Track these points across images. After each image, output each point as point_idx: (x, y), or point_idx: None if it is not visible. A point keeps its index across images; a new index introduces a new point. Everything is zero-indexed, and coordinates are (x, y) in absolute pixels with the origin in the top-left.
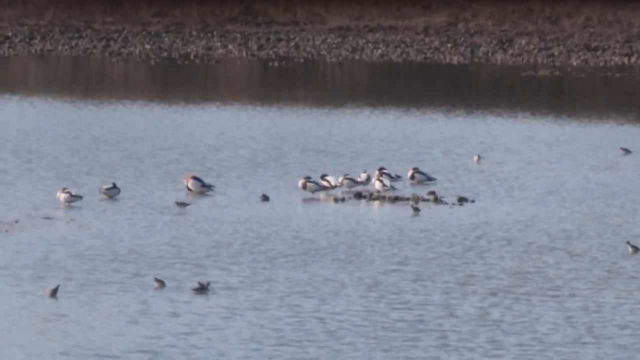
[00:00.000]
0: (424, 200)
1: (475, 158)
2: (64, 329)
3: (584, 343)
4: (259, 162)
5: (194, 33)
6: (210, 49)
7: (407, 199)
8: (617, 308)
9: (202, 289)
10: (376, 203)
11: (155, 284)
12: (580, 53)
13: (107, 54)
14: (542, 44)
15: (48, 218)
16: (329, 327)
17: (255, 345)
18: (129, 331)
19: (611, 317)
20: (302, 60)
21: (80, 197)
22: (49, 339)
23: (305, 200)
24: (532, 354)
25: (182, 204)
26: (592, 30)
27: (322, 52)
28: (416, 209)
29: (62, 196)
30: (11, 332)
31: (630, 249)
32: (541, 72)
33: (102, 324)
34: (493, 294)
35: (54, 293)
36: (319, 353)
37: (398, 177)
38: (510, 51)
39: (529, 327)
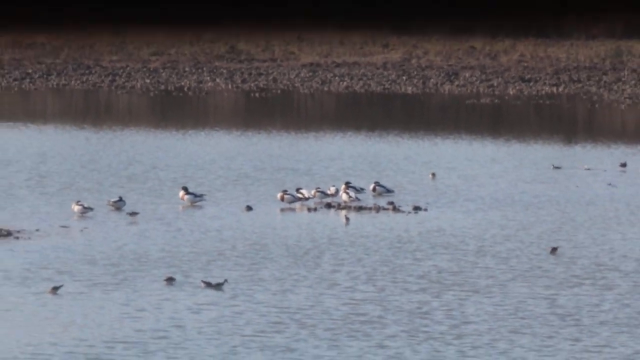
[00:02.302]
0: (384, 209)
1: (430, 175)
2: (65, 322)
3: (513, 332)
4: (243, 178)
5: (187, 69)
6: (200, 82)
7: (370, 209)
8: (535, 301)
9: (217, 285)
10: (343, 212)
11: (165, 281)
12: (516, 84)
13: (113, 87)
14: (483, 76)
15: (64, 227)
16: (294, 316)
17: (242, 332)
18: (125, 324)
19: (531, 310)
20: (279, 91)
21: (91, 209)
22: (48, 332)
23: (283, 210)
24: (463, 342)
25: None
26: (525, 64)
27: (296, 85)
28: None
29: (76, 208)
30: (16, 325)
31: (549, 249)
32: (482, 100)
33: (102, 318)
34: (429, 289)
35: (55, 290)
36: (289, 339)
37: (362, 189)
38: (456, 82)
39: (459, 319)
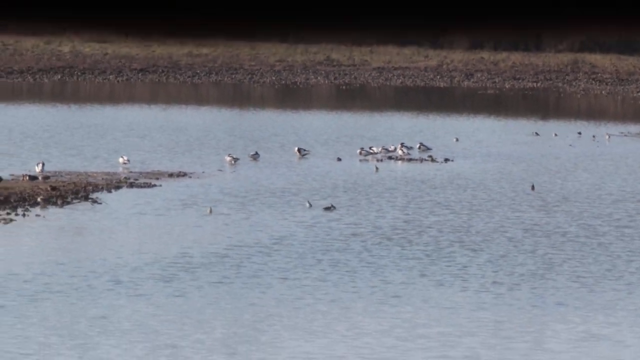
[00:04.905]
0: (425, 160)
1: (455, 139)
2: (212, 232)
3: (505, 239)
4: (335, 141)
5: (299, 71)
6: (308, 79)
7: (416, 160)
8: (518, 220)
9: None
10: (399, 162)
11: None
12: (510, 81)
13: (251, 82)
14: (489, 76)
15: (220, 170)
16: (356, 230)
17: (328, 238)
18: (251, 234)
19: (516, 225)
20: (358, 85)
21: (237, 159)
22: (200, 238)
23: (360, 160)
24: (467, 245)
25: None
26: (516, 69)
27: (369, 81)
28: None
29: (227, 158)
30: (182, 233)
31: (530, 186)
32: (489, 92)
33: (237, 230)
34: (447, 212)
35: (211, 211)
36: (349, 244)
37: (411, 147)
38: (472, 80)
39: (465, 231)
